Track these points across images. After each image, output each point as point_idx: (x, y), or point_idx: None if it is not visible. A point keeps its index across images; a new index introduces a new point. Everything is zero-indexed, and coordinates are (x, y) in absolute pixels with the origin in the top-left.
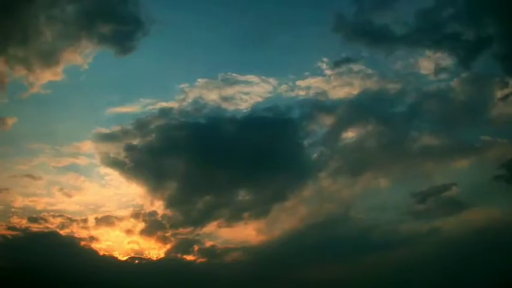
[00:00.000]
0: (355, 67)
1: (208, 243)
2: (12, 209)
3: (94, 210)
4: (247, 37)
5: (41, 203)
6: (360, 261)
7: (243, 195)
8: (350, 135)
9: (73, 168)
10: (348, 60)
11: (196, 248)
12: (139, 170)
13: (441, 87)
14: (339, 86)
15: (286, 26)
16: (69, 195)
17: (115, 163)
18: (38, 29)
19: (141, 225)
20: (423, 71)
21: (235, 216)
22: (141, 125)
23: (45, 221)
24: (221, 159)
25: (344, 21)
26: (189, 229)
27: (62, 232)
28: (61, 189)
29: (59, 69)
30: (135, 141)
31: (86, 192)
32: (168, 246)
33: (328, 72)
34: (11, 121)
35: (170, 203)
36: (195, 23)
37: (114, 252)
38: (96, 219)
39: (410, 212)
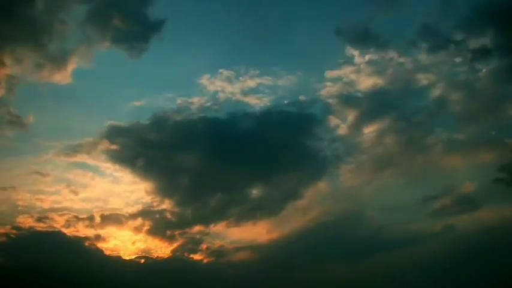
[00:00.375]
0: (388, 54)
1: (216, 243)
2: (19, 208)
3: (101, 208)
4: (273, 27)
5: (48, 201)
6: (375, 260)
7: (255, 193)
8: (371, 130)
9: (83, 166)
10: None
11: (204, 247)
12: (150, 167)
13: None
14: (367, 75)
15: (315, 15)
16: (77, 193)
17: (126, 159)
18: (52, 29)
19: (149, 224)
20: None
21: (246, 215)
22: (156, 120)
23: (52, 219)
24: (236, 156)
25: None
26: (197, 228)
27: (68, 231)
28: (70, 187)
29: (75, 66)
30: (149, 137)
31: (94, 189)
32: (176, 245)
33: (358, 60)
34: (26, 120)
35: (180, 201)
36: (217, 14)
37: (121, 251)
38: (104, 217)
39: (430, 211)
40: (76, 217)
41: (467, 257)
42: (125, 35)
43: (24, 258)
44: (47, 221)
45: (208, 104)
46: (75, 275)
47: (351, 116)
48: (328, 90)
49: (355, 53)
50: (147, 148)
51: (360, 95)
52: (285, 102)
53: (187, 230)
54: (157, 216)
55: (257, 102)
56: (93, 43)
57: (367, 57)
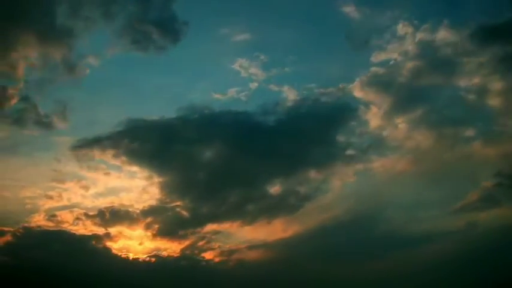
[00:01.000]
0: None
1: (229, 241)
2: (29, 206)
3: (112, 205)
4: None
5: (59, 199)
6: (397, 258)
7: (274, 190)
8: (404, 121)
9: (98, 162)
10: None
11: (216, 245)
12: (165, 163)
13: None
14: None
15: None
16: (89, 191)
17: (142, 155)
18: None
19: (160, 222)
20: None
21: (262, 213)
22: (180, 114)
23: (62, 218)
24: (257, 151)
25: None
26: (210, 226)
27: (78, 229)
28: (82, 184)
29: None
30: (169, 132)
31: (106, 186)
32: (187, 243)
33: (409, 39)
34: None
35: (194, 199)
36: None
37: (131, 250)
38: (114, 215)
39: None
40: (86, 215)
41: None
42: (147, 36)
43: (31, 257)
44: (57, 219)
45: (241, 94)
46: (83, 274)
47: (387, 105)
48: (370, 76)
49: (409, 30)
50: (164, 143)
51: (402, 80)
52: (322, 91)
53: (199, 228)
54: (169, 213)
55: (291, 91)
56: (117, 42)
57: (418, 36)
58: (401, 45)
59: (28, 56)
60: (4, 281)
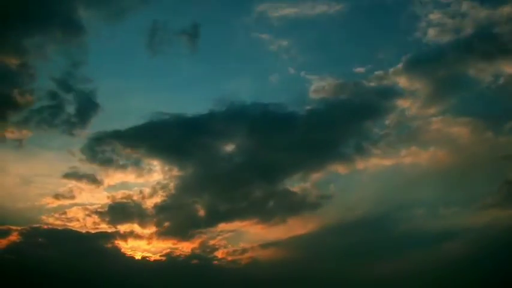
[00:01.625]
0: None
1: (242, 240)
2: (37, 204)
3: (125, 201)
4: None
5: (70, 196)
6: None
7: (297, 186)
8: (438, 111)
9: (112, 157)
10: None
11: (229, 244)
12: (181, 160)
13: None
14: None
15: None
16: (102, 187)
17: (159, 150)
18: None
19: (172, 220)
20: None
21: (278, 211)
22: (209, 107)
23: (72, 215)
24: (284, 145)
25: None
26: (223, 224)
27: (87, 227)
28: (95, 180)
29: None
30: (189, 126)
31: (119, 181)
32: (199, 242)
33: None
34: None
35: (211, 195)
36: None
37: (141, 249)
38: (124, 213)
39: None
40: (97, 212)
41: None
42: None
43: (38, 256)
44: (66, 217)
45: (277, 82)
46: (90, 273)
47: (426, 94)
48: (416, 59)
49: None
50: (186, 137)
51: (449, 64)
52: (365, 75)
53: (213, 225)
54: (183, 211)
55: (330, 78)
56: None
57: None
58: (459, 23)
59: (49, 55)
60: (10, 281)
